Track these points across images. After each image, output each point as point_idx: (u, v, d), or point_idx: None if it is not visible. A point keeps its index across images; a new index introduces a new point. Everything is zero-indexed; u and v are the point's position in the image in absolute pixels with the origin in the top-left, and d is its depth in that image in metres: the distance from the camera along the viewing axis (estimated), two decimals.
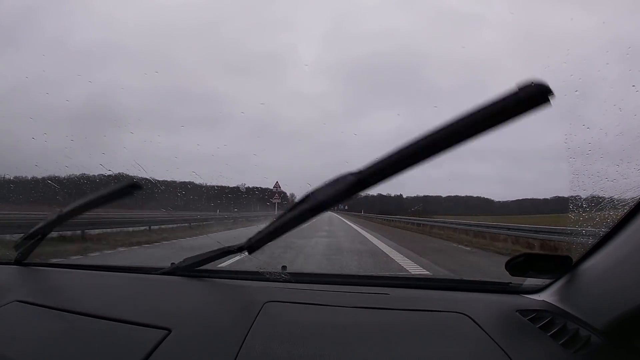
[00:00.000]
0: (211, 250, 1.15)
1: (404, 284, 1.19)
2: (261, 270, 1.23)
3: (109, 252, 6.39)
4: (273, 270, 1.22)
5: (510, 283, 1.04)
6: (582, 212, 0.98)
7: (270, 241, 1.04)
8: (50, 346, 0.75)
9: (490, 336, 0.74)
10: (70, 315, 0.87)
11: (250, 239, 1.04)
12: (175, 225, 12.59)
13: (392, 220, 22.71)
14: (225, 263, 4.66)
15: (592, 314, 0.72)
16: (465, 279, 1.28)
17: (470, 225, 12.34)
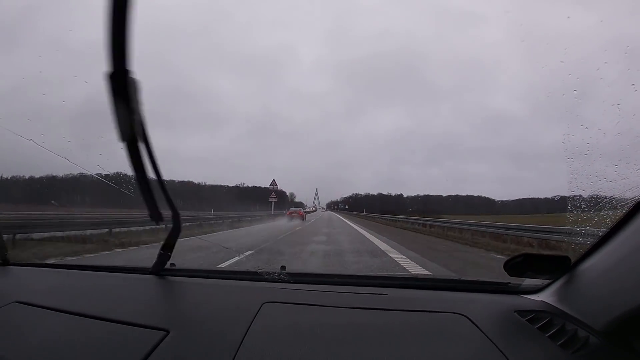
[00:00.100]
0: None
1: (402, 284, 1.19)
2: (259, 270, 1.22)
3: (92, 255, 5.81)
4: (271, 270, 1.22)
5: (509, 283, 1.04)
6: (581, 213, 0.98)
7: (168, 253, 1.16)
8: (49, 348, 0.75)
9: (488, 337, 0.74)
10: (69, 317, 0.87)
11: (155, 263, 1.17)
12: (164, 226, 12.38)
13: (397, 220, 21.61)
14: (224, 263, 4.62)
15: (590, 314, 0.72)
16: (463, 279, 1.28)
17: (487, 226, 10.40)
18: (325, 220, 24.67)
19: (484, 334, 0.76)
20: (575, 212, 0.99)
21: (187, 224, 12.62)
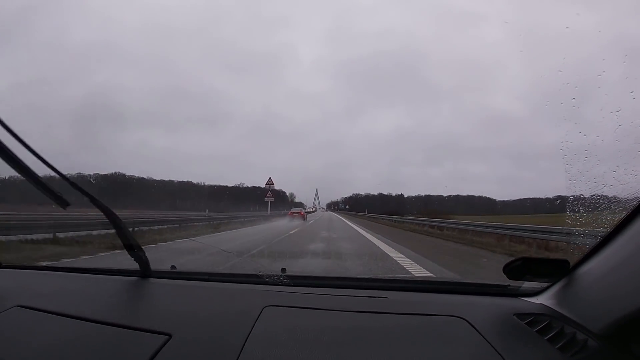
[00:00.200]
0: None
1: (403, 287, 1.20)
2: (260, 273, 1.23)
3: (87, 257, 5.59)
4: (272, 273, 1.22)
5: (509, 285, 1.05)
6: (580, 218, 0.99)
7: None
8: (51, 352, 0.75)
9: (487, 340, 0.75)
10: (71, 321, 0.87)
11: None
12: (157, 227, 11.29)
13: (403, 222, 19.74)
14: (224, 265, 4.59)
15: (589, 317, 0.73)
16: (464, 281, 1.29)
17: (517, 229, 8.69)
18: (324, 221, 22.36)
19: (483, 337, 0.77)
20: (574, 217, 1.00)
21: (166, 226, 11.69)
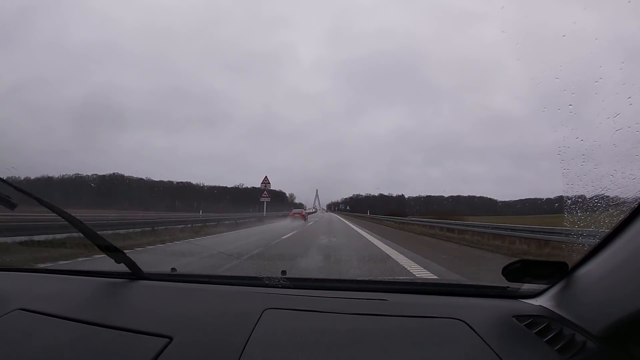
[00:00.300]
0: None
1: (402, 289, 1.20)
2: (260, 275, 1.23)
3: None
4: (272, 275, 1.22)
5: (508, 287, 1.05)
6: (578, 221, 1.01)
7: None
8: (53, 355, 0.75)
9: (486, 342, 0.76)
10: (73, 324, 0.87)
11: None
12: (124, 231, 9.46)
13: (411, 223, 17.57)
14: (224, 267, 4.51)
15: (588, 319, 0.74)
16: (463, 283, 1.29)
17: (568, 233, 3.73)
18: (324, 223, 20.59)
19: (482, 339, 0.77)
20: (572, 220, 1.01)
21: (139, 229, 9.77)
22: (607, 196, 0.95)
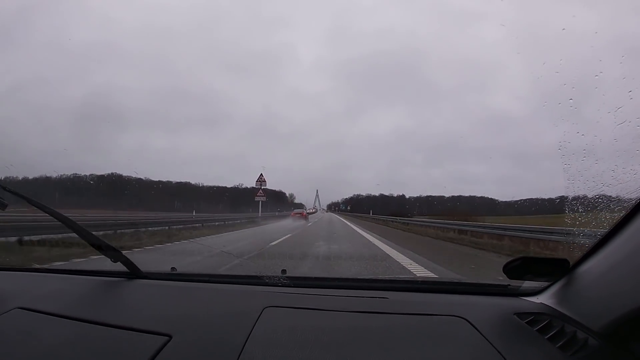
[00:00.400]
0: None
1: (403, 287, 1.20)
2: (260, 274, 1.23)
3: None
4: (272, 274, 1.22)
5: (509, 285, 1.05)
6: (579, 217, 1.00)
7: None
8: (52, 354, 0.75)
9: (487, 340, 0.75)
10: (72, 322, 0.87)
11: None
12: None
13: (419, 225, 15.80)
14: (225, 267, 4.48)
15: (589, 316, 0.73)
16: (464, 281, 1.29)
17: None
18: (324, 224, 18.92)
19: (484, 336, 0.77)
20: (573, 217, 1.01)
21: (111, 231, 8.28)
22: (608, 192, 0.94)
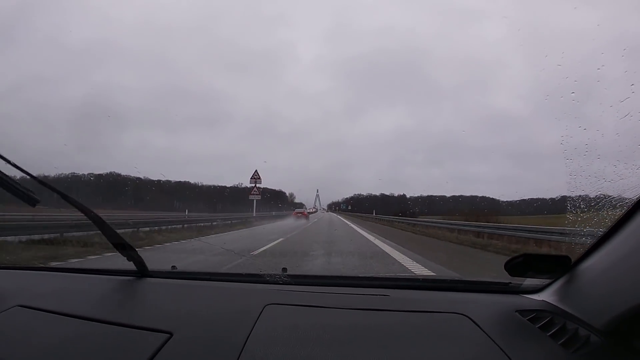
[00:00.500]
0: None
1: (404, 285, 1.19)
2: (261, 272, 1.23)
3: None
4: (273, 272, 1.22)
5: (510, 283, 1.05)
6: (580, 213, 0.99)
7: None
8: (52, 352, 0.75)
9: (489, 337, 0.75)
10: (72, 320, 0.87)
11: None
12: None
13: (429, 226, 13.92)
14: (226, 265, 4.46)
15: (591, 313, 0.73)
16: (465, 279, 1.28)
17: None
18: (324, 224, 17.49)
19: (486, 333, 0.76)
20: (574, 213, 1.00)
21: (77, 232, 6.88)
22: (610, 187, 0.93)
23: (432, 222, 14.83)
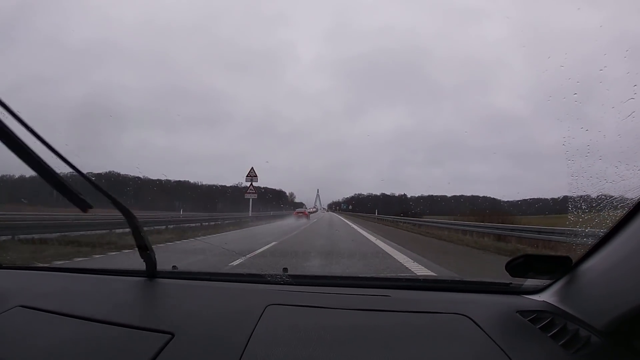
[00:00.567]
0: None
1: (405, 286, 1.19)
2: (262, 272, 1.23)
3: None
4: (274, 272, 1.22)
5: (511, 283, 1.04)
6: (582, 214, 0.99)
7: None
8: (54, 352, 0.74)
9: (490, 337, 0.75)
10: (74, 321, 0.86)
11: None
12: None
13: (441, 227, 12.19)
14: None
15: (592, 314, 0.73)
16: (466, 279, 1.29)
17: None
18: (324, 223, 16.73)
19: (487, 334, 0.76)
20: (576, 213, 1.00)
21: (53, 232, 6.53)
22: (611, 188, 0.93)
23: (444, 223, 12.93)
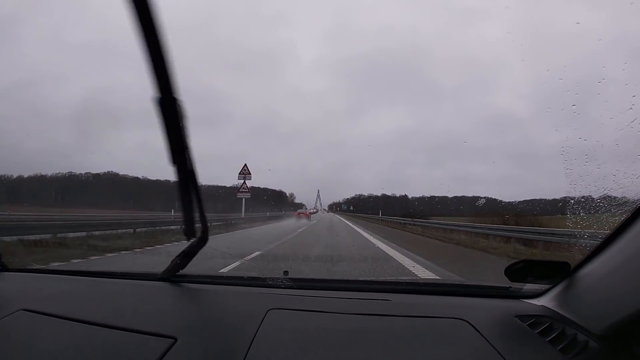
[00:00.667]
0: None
1: (405, 289, 1.20)
2: (263, 276, 1.23)
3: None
4: (275, 275, 1.22)
5: (510, 288, 1.05)
6: (580, 220, 1.01)
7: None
8: (56, 356, 0.74)
9: (489, 342, 0.76)
10: (76, 325, 0.86)
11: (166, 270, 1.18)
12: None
13: (452, 229, 11.15)
14: (227, 268, 4.35)
15: (590, 319, 0.74)
16: (466, 283, 1.29)
17: None
18: (324, 224, 15.96)
19: (485, 338, 0.77)
20: (574, 220, 1.01)
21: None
22: (610, 196, 0.95)
23: (459, 225, 11.25)
